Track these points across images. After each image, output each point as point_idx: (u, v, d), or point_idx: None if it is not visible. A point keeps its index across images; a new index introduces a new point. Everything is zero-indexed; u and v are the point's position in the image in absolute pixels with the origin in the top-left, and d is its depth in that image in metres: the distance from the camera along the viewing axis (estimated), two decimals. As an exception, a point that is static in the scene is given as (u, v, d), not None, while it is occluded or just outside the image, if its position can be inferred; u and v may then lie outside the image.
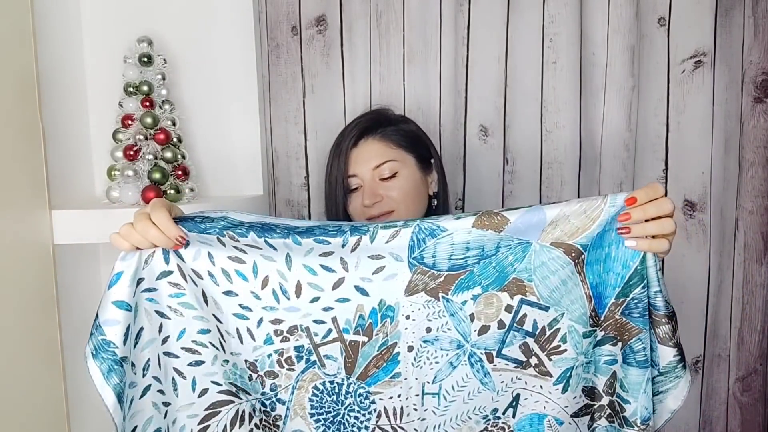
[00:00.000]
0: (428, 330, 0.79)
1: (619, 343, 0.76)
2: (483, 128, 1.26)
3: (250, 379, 0.81)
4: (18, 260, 0.95)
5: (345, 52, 1.26)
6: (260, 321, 0.79)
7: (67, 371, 1.06)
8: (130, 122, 1.11)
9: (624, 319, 0.75)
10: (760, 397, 1.30)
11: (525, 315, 0.77)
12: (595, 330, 0.77)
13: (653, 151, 1.26)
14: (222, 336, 0.79)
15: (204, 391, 0.79)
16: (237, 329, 0.79)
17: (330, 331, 0.79)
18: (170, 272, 0.76)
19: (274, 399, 0.82)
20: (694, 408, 1.32)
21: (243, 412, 0.81)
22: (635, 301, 0.74)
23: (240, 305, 0.78)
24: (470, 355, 0.79)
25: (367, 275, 0.77)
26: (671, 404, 0.78)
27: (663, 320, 0.75)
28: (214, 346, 0.79)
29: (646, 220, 0.72)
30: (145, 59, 1.12)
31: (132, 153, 1.09)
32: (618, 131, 1.22)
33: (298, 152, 1.28)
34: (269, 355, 0.80)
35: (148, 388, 0.78)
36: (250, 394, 0.81)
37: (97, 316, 0.73)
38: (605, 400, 0.79)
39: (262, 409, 0.82)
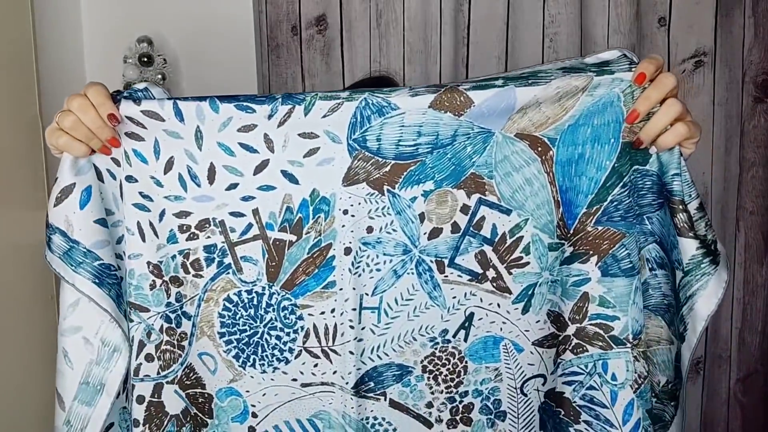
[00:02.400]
0: (369, 230, 0.66)
1: (594, 257, 0.65)
2: (483, 128, 1.26)
3: (152, 287, 0.67)
4: (18, 260, 0.95)
5: (345, 52, 1.26)
6: (162, 213, 0.65)
7: (66, 371, 1.06)
8: (130, 122, 1.11)
9: (600, 228, 0.64)
10: (761, 398, 1.29)
11: (483, 218, 0.65)
12: (563, 244, 0.66)
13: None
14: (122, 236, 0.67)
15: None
16: (138, 223, 0.65)
17: (250, 226, 0.66)
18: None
19: (179, 312, 0.68)
20: (695, 409, 1.32)
21: (132, 339, 0.67)
22: (615, 203, 0.63)
23: (140, 193, 0.65)
24: (418, 262, 0.66)
25: (298, 158, 0.64)
26: (703, 309, 0.65)
27: (679, 207, 0.62)
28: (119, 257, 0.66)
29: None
30: (145, 59, 1.12)
31: (132, 153, 1.09)
32: (618, 131, 1.23)
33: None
34: (173, 257, 0.66)
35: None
36: (147, 311, 0.67)
37: (75, 242, 0.62)
38: (571, 329, 0.67)
39: (165, 326, 0.68)
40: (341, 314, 0.67)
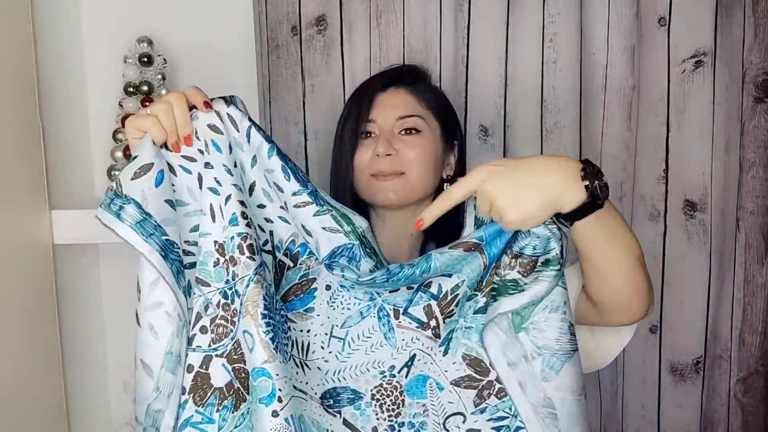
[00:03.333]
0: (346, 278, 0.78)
1: (496, 296, 0.76)
2: (483, 128, 1.26)
3: (216, 264, 0.74)
4: (18, 260, 0.95)
5: (345, 52, 1.26)
6: (228, 198, 0.74)
7: (67, 371, 1.06)
8: (130, 122, 1.11)
9: (495, 275, 0.76)
10: (761, 399, 1.29)
11: (431, 281, 0.77)
12: (476, 295, 0.77)
13: (653, 151, 1.26)
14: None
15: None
16: (210, 206, 0.74)
17: (267, 242, 0.79)
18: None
19: (234, 289, 0.75)
20: (695, 409, 1.32)
21: (191, 311, 0.74)
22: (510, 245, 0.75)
23: (215, 179, 0.74)
24: (380, 308, 0.78)
25: (309, 217, 0.77)
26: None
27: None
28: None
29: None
30: (145, 59, 1.13)
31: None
32: (618, 131, 1.22)
33: (298, 152, 1.28)
34: (232, 238, 0.74)
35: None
36: (208, 285, 0.75)
37: (148, 215, 0.69)
38: (493, 375, 0.76)
39: (222, 302, 0.75)
40: (315, 335, 0.79)
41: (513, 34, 1.23)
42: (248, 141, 0.75)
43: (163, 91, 1.14)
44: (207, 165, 0.74)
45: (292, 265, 0.79)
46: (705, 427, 1.32)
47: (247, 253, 0.73)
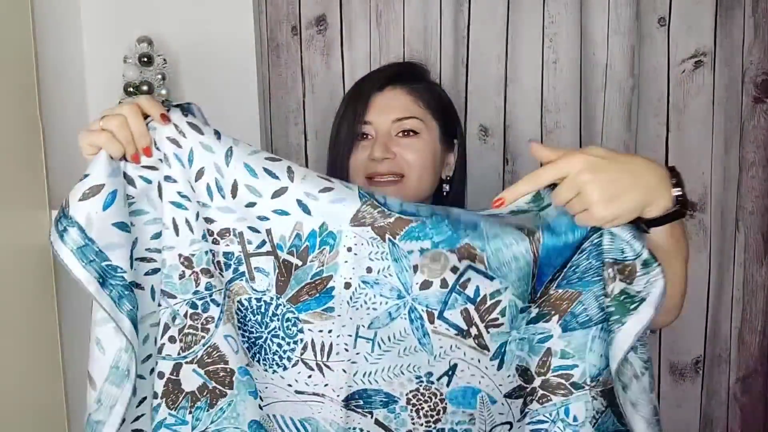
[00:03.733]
0: (369, 270, 0.71)
1: (555, 317, 0.73)
2: (483, 128, 1.26)
3: (181, 277, 0.73)
4: (18, 260, 0.95)
5: (345, 52, 1.26)
6: (197, 215, 0.72)
7: (67, 371, 1.06)
8: (130, 122, 1.11)
9: (560, 291, 0.72)
10: (760, 398, 1.30)
11: (469, 279, 0.71)
12: (530, 306, 0.73)
13: (653, 151, 1.26)
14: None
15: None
16: (174, 219, 0.72)
17: (264, 242, 0.72)
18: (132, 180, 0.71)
19: (208, 299, 0.75)
20: (695, 409, 1.32)
21: (158, 322, 0.75)
22: (572, 267, 0.70)
23: (179, 193, 0.71)
24: (411, 309, 0.72)
25: (313, 192, 0.70)
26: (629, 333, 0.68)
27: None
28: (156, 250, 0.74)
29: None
30: (145, 59, 1.13)
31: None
32: (618, 131, 1.22)
33: (298, 152, 1.28)
34: (206, 252, 0.73)
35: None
36: (174, 298, 0.74)
37: (91, 240, 0.67)
38: (537, 382, 0.75)
39: (190, 312, 0.75)
40: (338, 336, 0.73)
41: (513, 34, 1.24)
42: (218, 138, 0.70)
43: (163, 91, 1.14)
44: (168, 179, 0.71)
45: (300, 263, 0.72)
46: (704, 426, 1.32)
47: (217, 269, 0.73)
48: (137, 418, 0.78)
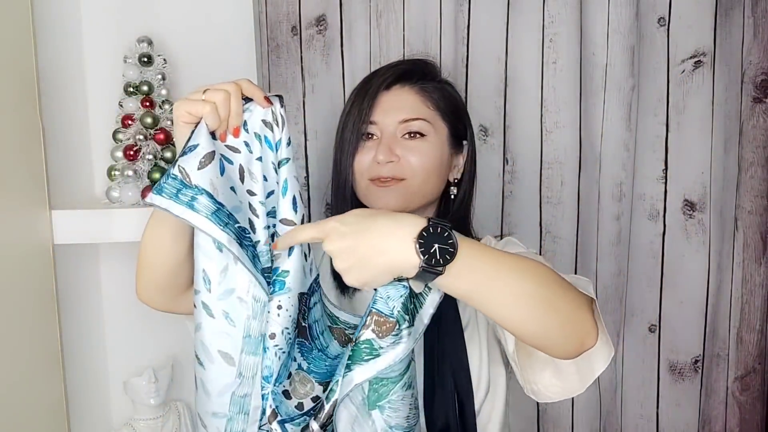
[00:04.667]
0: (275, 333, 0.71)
1: (350, 365, 0.71)
2: (483, 128, 1.26)
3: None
4: (18, 260, 0.95)
5: (345, 52, 1.26)
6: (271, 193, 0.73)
7: (67, 371, 1.06)
8: (130, 122, 1.11)
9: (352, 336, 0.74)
10: (758, 396, 1.30)
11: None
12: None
13: (653, 150, 1.27)
14: (254, 212, 0.73)
15: None
16: (266, 197, 0.74)
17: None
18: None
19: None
20: (694, 407, 1.32)
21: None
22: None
23: (264, 175, 0.72)
24: (264, 396, 0.71)
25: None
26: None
27: None
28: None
29: None
30: (145, 59, 1.12)
31: (132, 153, 1.09)
32: (618, 131, 1.23)
33: (298, 152, 1.28)
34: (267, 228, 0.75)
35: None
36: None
37: (221, 204, 0.67)
38: None
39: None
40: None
41: (513, 34, 1.23)
42: (288, 144, 0.71)
43: (163, 91, 1.14)
44: (260, 159, 0.72)
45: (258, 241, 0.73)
46: (703, 425, 1.33)
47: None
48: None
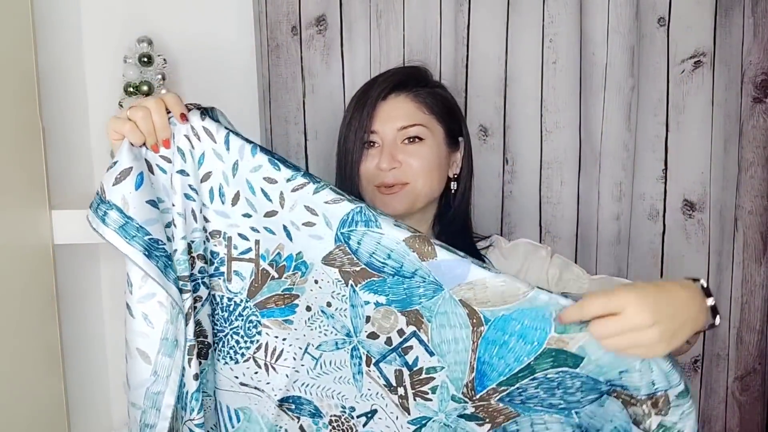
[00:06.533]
0: (329, 304, 0.79)
1: (488, 424, 0.76)
2: (483, 128, 1.26)
3: (185, 261, 0.80)
4: (18, 260, 0.95)
5: (345, 52, 1.26)
6: (201, 209, 0.79)
7: (67, 371, 1.06)
8: (130, 122, 1.11)
9: (501, 405, 0.75)
10: (758, 397, 1.30)
11: (411, 347, 0.77)
12: (466, 403, 0.76)
13: (653, 150, 1.27)
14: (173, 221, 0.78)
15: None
16: (184, 210, 0.78)
17: (249, 249, 0.80)
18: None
19: (200, 281, 0.82)
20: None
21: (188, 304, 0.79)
22: (519, 390, 0.73)
23: (189, 186, 0.77)
24: (354, 347, 0.79)
25: (297, 222, 0.77)
26: None
27: (630, 401, 0.70)
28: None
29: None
30: (145, 59, 1.12)
31: (132, 153, 1.09)
32: (618, 131, 1.23)
33: (298, 152, 1.28)
34: (203, 242, 0.81)
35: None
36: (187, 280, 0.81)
37: (130, 218, 0.73)
38: None
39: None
40: (290, 345, 0.82)
41: (513, 34, 1.24)
42: (227, 148, 0.76)
43: (163, 91, 1.14)
44: (182, 172, 0.77)
45: (277, 276, 0.80)
46: (703, 425, 1.33)
47: (202, 261, 0.81)
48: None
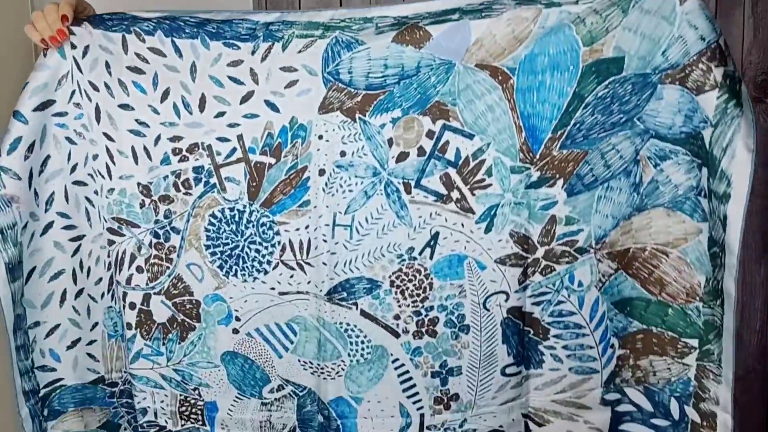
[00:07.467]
0: (342, 154, 0.73)
1: (560, 180, 0.70)
2: (482, 128, 1.26)
3: (141, 206, 0.75)
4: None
5: (345, 52, 1.25)
6: (158, 138, 0.74)
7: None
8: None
9: (564, 152, 0.69)
10: (758, 397, 1.30)
11: (447, 142, 0.71)
12: (529, 168, 0.70)
13: (653, 151, 1.26)
14: (111, 158, 0.74)
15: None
16: (132, 147, 0.74)
17: (234, 150, 0.75)
18: (74, 91, 0.72)
19: (168, 228, 0.76)
20: (693, 407, 1.32)
21: (124, 252, 0.76)
22: (577, 125, 0.68)
23: (136, 120, 0.73)
24: (387, 184, 0.73)
25: (279, 89, 0.72)
26: (744, 152, 0.65)
27: (685, 71, 0.65)
28: (100, 174, 0.74)
29: None
30: (145, 59, 1.12)
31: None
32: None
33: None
34: (165, 177, 0.75)
35: (50, 225, 0.74)
36: (138, 227, 0.76)
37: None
38: (540, 252, 0.72)
39: (154, 242, 0.76)
40: (315, 230, 0.74)
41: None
42: (180, 56, 0.71)
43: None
44: (126, 107, 0.72)
45: (274, 161, 0.74)
46: (703, 426, 1.32)
47: (183, 189, 0.75)
48: (90, 342, 0.80)
